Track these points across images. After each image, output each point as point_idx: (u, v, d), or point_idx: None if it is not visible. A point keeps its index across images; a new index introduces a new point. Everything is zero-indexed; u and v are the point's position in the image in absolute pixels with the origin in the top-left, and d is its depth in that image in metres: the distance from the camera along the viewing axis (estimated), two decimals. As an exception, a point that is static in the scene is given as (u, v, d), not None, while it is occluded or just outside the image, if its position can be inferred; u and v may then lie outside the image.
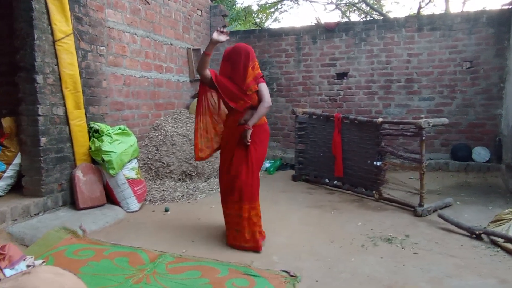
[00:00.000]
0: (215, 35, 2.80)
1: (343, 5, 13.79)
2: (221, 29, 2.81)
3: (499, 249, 2.82)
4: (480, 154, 5.40)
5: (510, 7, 5.25)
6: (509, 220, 3.06)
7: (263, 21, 14.64)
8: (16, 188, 3.53)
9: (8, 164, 3.46)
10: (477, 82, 5.54)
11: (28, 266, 2.27)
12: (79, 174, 3.60)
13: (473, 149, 5.46)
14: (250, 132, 2.84)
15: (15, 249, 2.32)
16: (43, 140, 3.35)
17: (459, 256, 2.71)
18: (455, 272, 2.46)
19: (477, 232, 3.02)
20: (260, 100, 2.94)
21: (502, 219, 3.12)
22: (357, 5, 13.37)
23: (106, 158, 3.62)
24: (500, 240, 2.87)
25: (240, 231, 2.86)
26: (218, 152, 3.21)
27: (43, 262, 2.48)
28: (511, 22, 5.22)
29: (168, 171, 4.61)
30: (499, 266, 2.55)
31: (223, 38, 2.80)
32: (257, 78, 2.92)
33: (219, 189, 4.50)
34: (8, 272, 2.07)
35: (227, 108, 3.05)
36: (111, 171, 3.65)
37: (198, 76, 6.09)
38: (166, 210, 3.84)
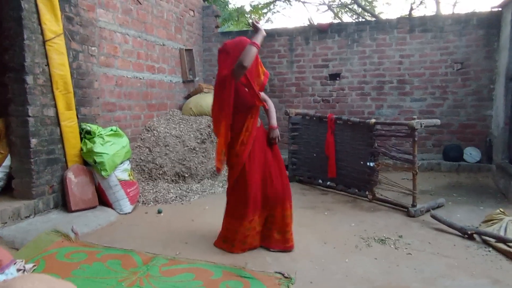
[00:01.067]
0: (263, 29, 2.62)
1: (335, 6, 13.85)
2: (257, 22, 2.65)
3: (490, 248, 2.85)
4: (471, 154, 5.46)
5: (500, 9, 5.32)
6: (500, 220, 3.10)
7: (256, 21, 14.66)
8: (6, 191, 3.47)
9: (-2, 166, 3.41)
10: (468, 84, 5.61)
11: (18, 270, 2.24)
12: (70, 176, 3.55)
13: (464, 149, 5.52)
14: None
15: (5, 252, 2.27)
16: (33, 141, 3.30)
17: (452, 256, 2.74)
18: (448, 272, 2.48)
19: (469, 232, 3.05)
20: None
21: (493, 219, 3.15)
22: (349, 6, 13.43)
23: (98, 159, 3.58)
24: (492, 240, 2.90)
25: (287, 232, 2.83)
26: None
27: (34, 265, 2.45)
28: (500, 24, 5.30)
29: (161, 173, 4.58)
30: (491, 266, 2.58)
31: None
32: (267, 77, 2.80)
33: (213, 191, 4.51)
34: (-3, 276, 2.03)
35: (238, 109, 2.69)
36: (103, 173, 3.61)
37: (191, 76, 6.09)
38: (159, 211, 3.81)
